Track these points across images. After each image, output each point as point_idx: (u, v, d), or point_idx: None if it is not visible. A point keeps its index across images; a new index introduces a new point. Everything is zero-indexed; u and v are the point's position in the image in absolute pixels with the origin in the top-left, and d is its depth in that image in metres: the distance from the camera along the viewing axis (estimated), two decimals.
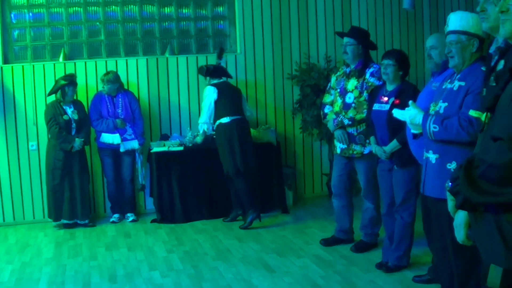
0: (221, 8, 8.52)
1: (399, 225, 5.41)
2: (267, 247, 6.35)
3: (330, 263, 5.76)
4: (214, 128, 7.34)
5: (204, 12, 8.47)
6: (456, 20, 4.13)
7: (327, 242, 6.32)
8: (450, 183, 2.42)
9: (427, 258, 5.44)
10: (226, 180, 7.33)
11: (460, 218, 2.52)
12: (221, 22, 8.56)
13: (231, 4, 8.45)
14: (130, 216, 7.72)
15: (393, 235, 5.51)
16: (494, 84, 3.33)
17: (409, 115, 4.30)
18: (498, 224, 2.24)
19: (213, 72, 7.41)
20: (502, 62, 3.31)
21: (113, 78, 7.57)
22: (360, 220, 6.23)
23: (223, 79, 7.47)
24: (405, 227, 5.38)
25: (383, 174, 5.58)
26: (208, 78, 7.42)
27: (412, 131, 4.41)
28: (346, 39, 6.17)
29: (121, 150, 7.62)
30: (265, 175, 7.81)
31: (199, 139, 7.53)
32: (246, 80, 8.43)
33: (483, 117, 2.63)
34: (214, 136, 7.42)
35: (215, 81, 7.36)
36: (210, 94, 7.25)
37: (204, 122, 7.30)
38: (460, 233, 2.53)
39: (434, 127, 4.07)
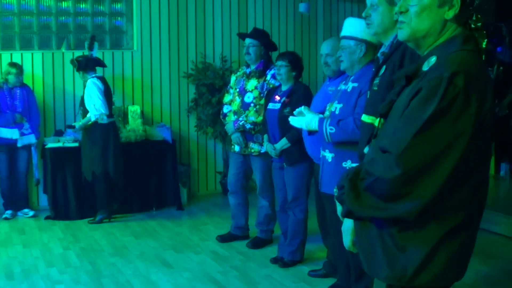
0: (119, 5, 8.47)
1: (292, 221, 5.61)
2: (164, 244, 6.41)
3: (227, 258, 5.89)
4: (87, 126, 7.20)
5: (102, 8, 8.39)
6: (346, 26, 4.40)
7: (223, 239, 6.45)
8: (337, 190, 2.36)
9: (322, 254, 5.67)
10: (93, 179, 7.26)
11: (347, 225, 2.56)
12: (119, 18, 8.52)
13: (129, 1, 8.42)
14: (29, 212, 7.54)
15: (287, 232, 5.70)
16: (376, 88, 3.56)
17: (305, 121, 4.52)
18: (381, 238, 2.25)
19: (87, 65, 7.23)
20: (383, 68, 3.54)
21: (20, 70, 7.44)
22: (256, 217, 6.39)
23: (97, 71, 7.36)
24: (298, 223, 5.59)
25: (276, 172, 5.76)
26: (81, 72, 7.24)
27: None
28: (249, 40, 6.26)
29: (19, 145, 7.44)
30: (160, 172, 7.87)
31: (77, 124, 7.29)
32: (142, 77, 8.43)
33: (376, 122, 2.64)
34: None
35: (93, 74, 7.22)
36: (97, 86, 7.10)
37: (103, 113, 7.11)
38: (346, 239, 2.58)
39: (331, 129, 4.29)
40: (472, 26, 2.09)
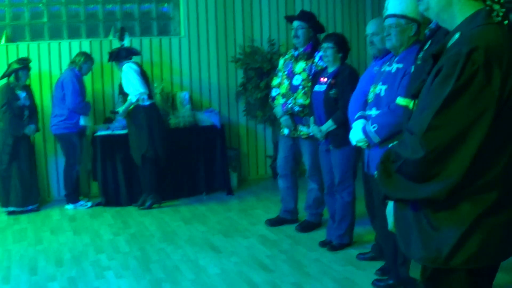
0: None
1: (340, 205, 5.56)
2: (213, 228, 6.42)
3: (276, 242, 5.87)
4: (131, 110, 7.25)
5: None
6: (396, 4, 4.26)
7: (272, 223, 6.43)
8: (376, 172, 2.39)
9: (370, 236, 5.60)
10: (143, 163, 7.28)
11: (389, 206, 2.54)
12: (165, 4, 8.53)
13: None
14: (87, 203, 7.59)
15: (335, 215, 5.65)
16: (419, 62, 3.48)
17: (354, 138, 4.51)
18: (416, 219, 2.25)
19: (118, 54, 7.33)
20: (429, 43, 3.46)
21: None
22: (305, 201, 6.35)
23: (134, 59, 7.42)
24: (345, 206, 5.52)
25: (322, 154, 5.70)
26: (114, 62, 7.41)
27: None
28: (297, 23, 6.19)
29: (87, 132, 7.68)
30: (210, 157, 7.89)
31: (120, 109, 7.30)
32: (190, 63, 8.45)
33: (411, 104, 2.61)
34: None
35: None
36: (132, 68, 7.17)
37: (143, 92, 7.16)
38: (389, 221, 2.55)
39: (374, 127, 4.25)
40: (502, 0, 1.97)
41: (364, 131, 4.35)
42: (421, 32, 4.23)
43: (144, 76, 7.27)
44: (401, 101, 2.79)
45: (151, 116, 7.20)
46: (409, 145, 2.14)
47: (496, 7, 2.20)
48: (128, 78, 7.14)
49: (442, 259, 2.18)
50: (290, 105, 6.08)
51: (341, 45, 5.60)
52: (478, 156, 2.07)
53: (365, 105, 4.61)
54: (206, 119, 7.99)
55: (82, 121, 7.51)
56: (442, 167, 2.09)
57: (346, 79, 5.39)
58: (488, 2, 2.21)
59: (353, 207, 5.57)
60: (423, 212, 2.21)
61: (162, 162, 7.31)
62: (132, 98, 7.13)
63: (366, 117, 4.47)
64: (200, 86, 8.53)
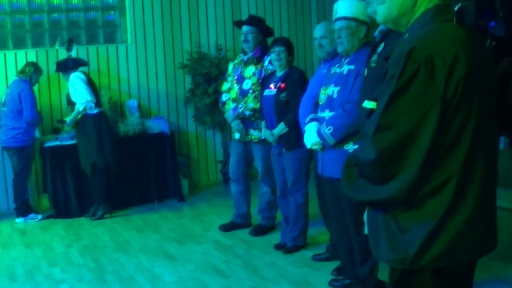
0: None
1: (293, 207, 5.59)
2: (166, 236, 6.39)
3: (231, 247, 5.88)
4: (79, 119, 7.16)
5: (94, 2, 8.33)
6: (346, 7, 4.32)
7: (226, 228, 6.43)
8: None
9: (324, 237, 5.66)
10: (93, 173, 7.19)
11: (367, 212, 2.50)
12: (111, 12, 8.45)
13: None
14: (37, 216, 7.41)
15: (288, 217, 5.69)
16: (374, 65, 3.55)
17: (308, 141, 4.53)
18: (385, 221, 2.24)
19: (65, 65, 7.25)
20: (382, 45, 3.54)
21: None
22: (258, 204, 6.37)
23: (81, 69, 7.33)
24: (299, 207, 5.57)
25: (275, 158, 5.74)
26: (61, 73, 7.33)
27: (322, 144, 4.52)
28: (246, 28, 6.20)
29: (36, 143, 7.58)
30: (160, 164, 7.84)
31: (68, 119, 7.22)
32: (137, 70, 8.39)
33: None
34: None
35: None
36: (79, 77, 7.08)
37: (90, 100, 7.06)
38: (366, 225, 2.51)
39: (329, 129, 4.29)
40: None
41: (319, 133, 4.38)
42: (370, 34, 4.31)
43: (91, 84, 7.19)
44: (368, 104, 2.83)
45: (99, 124, 7.13)
46: (364, 148, 2.17)
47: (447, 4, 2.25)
48: (75, 87, 7.05)
49: (409, 259, 2.18)
50: (241, 109, 6.10)
51: (291, 48, 5.69)
52: (431, 152, 2.07)
53: (315, 107, 4.64)
54: (155, 126, 7.95)
55: (37, 133, 7.42)
56: (397, 167, 2.10)
57: (296, 82, 5.44)
58: (445, 4, 2.24)
59: (307, 208, 5.61)
60: (390, 214, 2.21)
61: (112, 170, 7.24)
62: (79, 106, 7.04)
63: (318, 120, 4.50)
64: (148, 93, 8.47)
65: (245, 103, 6.08)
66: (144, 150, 7.74)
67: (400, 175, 2.10)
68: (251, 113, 6.05)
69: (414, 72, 2.04)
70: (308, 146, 4.59)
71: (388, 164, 2.11)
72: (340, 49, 4.38)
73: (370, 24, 4.28)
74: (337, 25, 4.33)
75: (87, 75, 7.28)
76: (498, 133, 2.34)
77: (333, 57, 4.85)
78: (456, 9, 2.24)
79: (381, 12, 2.32)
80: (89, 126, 7.08)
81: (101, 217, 7.16)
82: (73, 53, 7.39)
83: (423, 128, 2.06)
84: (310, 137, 4.49)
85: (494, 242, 2.32)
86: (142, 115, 8.09)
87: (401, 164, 2.09)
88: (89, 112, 7.07)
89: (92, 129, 7.07)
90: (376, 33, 3.77)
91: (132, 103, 8.01)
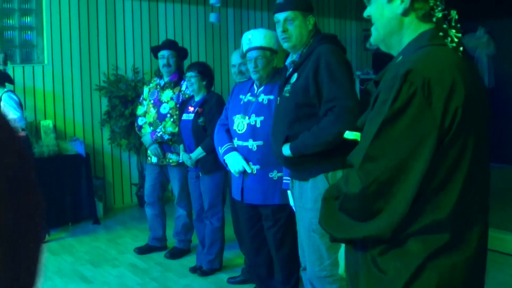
0: (28, 18, 8.32)
1: (209, 230, 5.70)
2: (81, 259, 6.36)
3: (146, 270, 5.92)
4: None
5: (11, 22, 8.23)
6: (261, 38, 4.47)
7: (142, 251, 6.46)
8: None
9: (240, 260, 5.79)
10: None
11: (341, 250, 2.35)
12: (29, 32, 8.38)
13: (38, 15, 8.29)
14: None
15: (204, 240, 5.79)
16: (287, 95, 3.72)
17: (236, 168, 4.52)
18: (365, 261, 2.03)
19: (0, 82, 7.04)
20: (295, 75, 3.71)
21: None
22: (173, 227, 6.44)
23: (7, 86, 7.15)
24: (215, 231, 5.68)
25: (192, 181, 5.84)
26: None
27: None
28: (167, 52, 6.26)
29: None
30: (75, 186, 7.79)
31: None
32: (53, 91, 8.33)
33: (359, 137, 2.32)
34: None
35: (5, 89, 6.99)
36: (14, 99, 6.90)
37: (24, 117, 6.99)
38: (340, 264, 2.37)
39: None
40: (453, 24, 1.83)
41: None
42: (279, 61, 4.48)
43: (21, 107, 7.07)
44: (349, 135, 2.87)
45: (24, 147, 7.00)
46: (349, 179, 1.94)
47: (451, 32, 2.01)
48: (8, 109, 6.87)
49: None
50: (160, 133, 6.17)
51: (205, 73, 5.75)
52: (422, 189, 1.86)
53: (228, 134, 4.69)
54: (70, 148, 7.91)
55: None
56: (384, 202, 1.88)
57: (214, 107, 5.55)
58: (445, 26, 2.02)
59: (223, 232, 5.74)
60: (371, 254, 1.99)
61: None
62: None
63: (236, 149, 4.57)
64: (64, 114, 8.42)
65: (164, 127, 6.16)
66: (59, 172, 7.67)
67: (387, 211, 1.89)
68: (170, 137, 6.13)
69: (410, 96, 1.83)
70: (237, 175, 4.59)
71: (374, 198, 1.89)
72: (255, 77, 4.48)
73: (277, 51, 4.47)
74: (253, 54, 4.45)
75: (18, 97, 7.12)
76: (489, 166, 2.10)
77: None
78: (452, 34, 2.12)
79: (372, 34, 2.16)
80: None
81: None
82: (8, 69, 7.29)
83: (416, 160, 1.84)
84: (236, 164, 4.50)
85: None
86: (57, 137, 8.04)
87: (388, 199, 1.88)
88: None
89: None
90: (287, 62, 3.92)
91: (48, 124, 7.94)
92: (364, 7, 2.21)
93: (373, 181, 1.87)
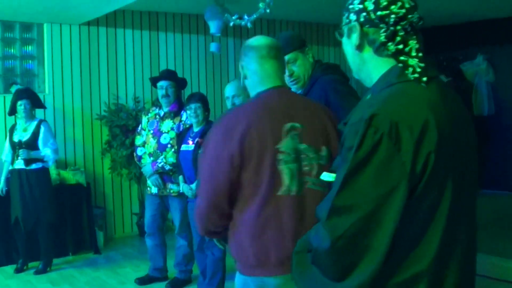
0: (30, 48, 8.37)
1: (210, 260, 5.67)
2: None
3: None
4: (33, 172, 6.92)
5: (13, 51, 8.28)
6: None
7: (142, 281, 6.41)
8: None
9: None
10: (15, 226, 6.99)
11: None
12: (30, 61, 8.42)
13: (40, 44, 8.33)
14: None
15: (205, 271, 5.75)
16: None
17: None
18: None
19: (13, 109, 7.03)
20: None
21: None
22: (174, 258, 6.40)
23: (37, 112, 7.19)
24: (216, 262, 5.65)
25: (192, 212, 5.81)
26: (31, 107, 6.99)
27: None
28: (166, 83, 6.27)
29: None
30: (76, 216, 7.76)
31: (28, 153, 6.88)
32: (54, 120, 8.34)
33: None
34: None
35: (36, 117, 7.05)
36: (51, 128, 7.00)
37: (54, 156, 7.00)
38: None
39: None
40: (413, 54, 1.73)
41: None
42: None
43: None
44: (326, 176, 2.80)
45: (48, 178, 7.05)
46: (318, 232, 1.80)
47: (412, 62, 1.86)
48: (46, 134, 6.96)
49: None
50: (161, 164, 6.15)
51: (207, 103, 5.81)
52: (397, 240, 1.71)
53: None
54: (71, 177, 7.89)
55: None
56: (356, 256, 1.72)
57: None
58: (402, 58, 1.88)
59: (224, 262, 5.70)
60: None
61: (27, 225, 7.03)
62: (48, 154, 6.95)
63: None
64: (65, 143, 8.42)
65: (165, 157, 6.15)
66: (60, 201, 7.63)
67: (360, 268, 1.72)
68: (171, 167, 6.12)
69: (376, 143, 1.68)
70: None
71: (345, 254, 1.73)
72: None
73: None
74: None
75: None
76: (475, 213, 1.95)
77: None
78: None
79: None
80: (44, 180, 6.94)
81: (45, 271, 6.98)
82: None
83: (386, 211, 1.68)
84: None
85: None
86: (58, 166, 8.02)
87: (360, 254, 1.71)
88: (47, 166, 6.98)
89: (46, 183, 6.96)
90: None
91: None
92: None
93: (341, 236, 1.71)
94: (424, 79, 1.82)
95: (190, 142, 5.72)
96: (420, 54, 1.87)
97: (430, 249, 1.75)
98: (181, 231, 6.29)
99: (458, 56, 10.79)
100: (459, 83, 10.11)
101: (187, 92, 6.83)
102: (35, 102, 7.04)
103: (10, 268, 7.12)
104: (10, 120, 7.68)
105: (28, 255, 7.09)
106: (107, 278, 6.74)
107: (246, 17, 6.62)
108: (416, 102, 1.76)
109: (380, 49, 1.90)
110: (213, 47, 8.47)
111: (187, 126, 6.09)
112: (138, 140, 6.53)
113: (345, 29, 1.98)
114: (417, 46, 1.88)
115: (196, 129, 5.76)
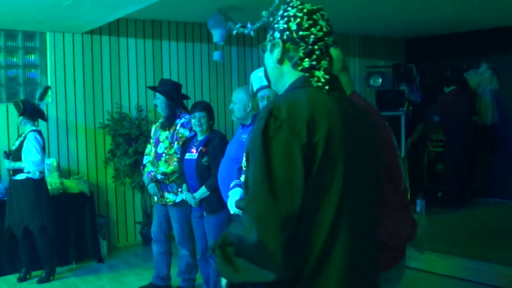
0: (32, 56, 8.37)
1: (214, 270, 5.63)
2: None
3: None
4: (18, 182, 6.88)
5: (15, 60, 8.27)
6: (258, 81, 4.44)
7: None
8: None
9: None
10: (23, 235, 6.91)
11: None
12: (33, 70, 8.42)
13: (42, 53, 8.34)
14: None
15: (209, 279, 5.72)
16: None
17: (233, 207, 4.50)
18: None
19: (31, 113, 6.99)
20: None
21: None
22: (177, 267, 6.37)
23: (36, 123, 7.16)
24: None
25: (195, 220, 5.80)
26: (23, 118, 6.94)
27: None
28: (158, 100, 6.36)
29: None
30: (79, 225, 7.74)
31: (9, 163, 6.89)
32: (57, 129, 8.34)
33: None
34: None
35: (33, 127, 6.98)
36: (38, 140, 6.89)
37: (38, 170, 6.87)
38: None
39: None
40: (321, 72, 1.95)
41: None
42: None
43: (44, 148, 7.06)
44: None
45: (39, 189, 6.96)
46: (243, 222, 1.98)
47: (318, 74, 2.18)
48: (30, 149, 6.85)
49: None
50: (153, 173, 6.16)
51: (211, 112, 5.79)
52: (304, 215, 1.97)
53: (239, 172, 4.69)
54: (74, 186, 7.88)
55: None
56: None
57: (218, 146, 5.53)
58: (312, 71, 2.19)
59: None
60: None
61: (50, 232, 6.98)
62: (28, 169, 6.84)
63: (241, 185, 4.55)
64: (68, 152, 8.41)
65: (157, 167, 6.14)
66: (63, 210, 7.64)
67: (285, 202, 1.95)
68: (163, 177, 6.11)
69: (278, 127, 1.97)
70: (233, 211, 4.61)
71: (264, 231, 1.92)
72: None
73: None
74: (266, 92, 4.33)
75: (43, 137, 7.09)
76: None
77: (251, 122, 4.94)
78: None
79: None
80: (28, 190, 6.85)
81: (48, 279, 6.96)
82: (42, 104, 7.32)
83: (295, 173, 1.95)
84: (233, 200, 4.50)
85: None
86: (61, 175, 8.01)
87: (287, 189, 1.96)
88: (32, 176, 6.88)
89: (31, 193, 6.85)
90: None
91: (52, 162, 7.93)
92: None
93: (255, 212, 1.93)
94: (326, 87, 2.15)
95: (194, 150, 5.71)
96: (327, 76, 2.18)
97: (324, 222, 2.00)
98: (180, 241, 6.24)
99: (462, 65, 10.77)
100: (463, 92, 10.08)
101: (190, 101, 6.80)
102: (27, 113, 6.98)
103: (13, 277, 7.08)
104: (13, 128, 7.68)
105: (31, 264, 7.07)
106: (111, 286, 6.72)
107: (249, 25, 6.61)
108: (313, 100, 2.06)
109: (296, 64, 2.22)
110: (216, 55, 8.48)
111: (180, 135, 6.08)
112: (147, 149, 6.55)
113: (268, 45, 2.32)
114: (326, 66, 2.21)
115: (200, 137, 5.75)
